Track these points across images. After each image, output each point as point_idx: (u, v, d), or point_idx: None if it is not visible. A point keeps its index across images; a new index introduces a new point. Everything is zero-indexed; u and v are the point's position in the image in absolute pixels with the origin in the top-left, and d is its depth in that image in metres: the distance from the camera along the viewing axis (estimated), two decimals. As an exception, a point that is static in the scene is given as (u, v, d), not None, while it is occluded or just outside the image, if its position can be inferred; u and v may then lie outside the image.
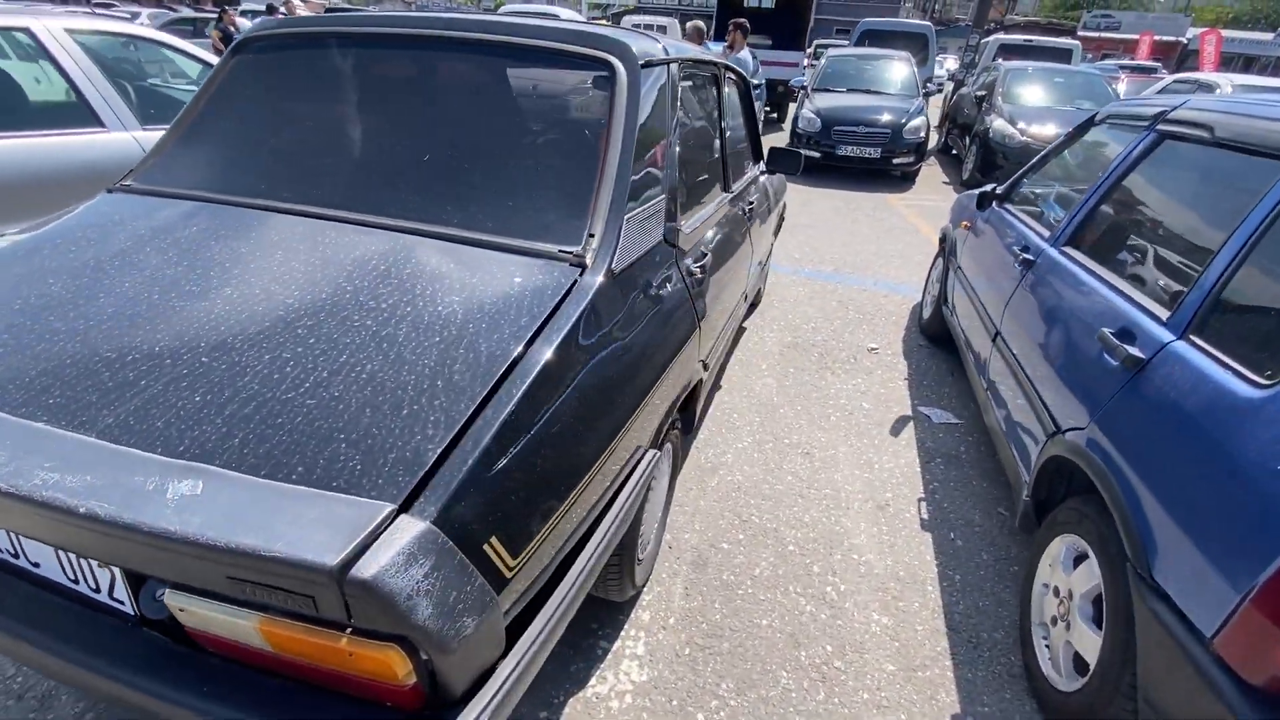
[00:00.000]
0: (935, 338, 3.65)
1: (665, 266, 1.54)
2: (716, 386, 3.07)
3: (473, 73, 1.62)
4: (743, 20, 6.90)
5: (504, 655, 0.95)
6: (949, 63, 19.93)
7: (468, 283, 1.18)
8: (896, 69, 8.61)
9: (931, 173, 8.65)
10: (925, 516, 2.31)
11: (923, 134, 7.42)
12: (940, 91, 9.99)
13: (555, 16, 14.12)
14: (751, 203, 2.62)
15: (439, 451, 0.88)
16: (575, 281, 1.21)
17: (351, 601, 0.74)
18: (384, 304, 1.11)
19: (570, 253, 1.27)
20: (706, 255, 1.83)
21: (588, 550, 1.16)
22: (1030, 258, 2.22)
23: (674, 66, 1.72)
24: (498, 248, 1.28)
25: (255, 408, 0.92)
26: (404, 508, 0.82)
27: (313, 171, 1.52)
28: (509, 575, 0.92)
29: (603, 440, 1.15)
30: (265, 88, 1.69)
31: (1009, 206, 2.77)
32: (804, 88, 8.77)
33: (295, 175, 1.52)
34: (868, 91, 8.26)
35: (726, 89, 2.44)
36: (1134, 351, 1.44)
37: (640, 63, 1.51)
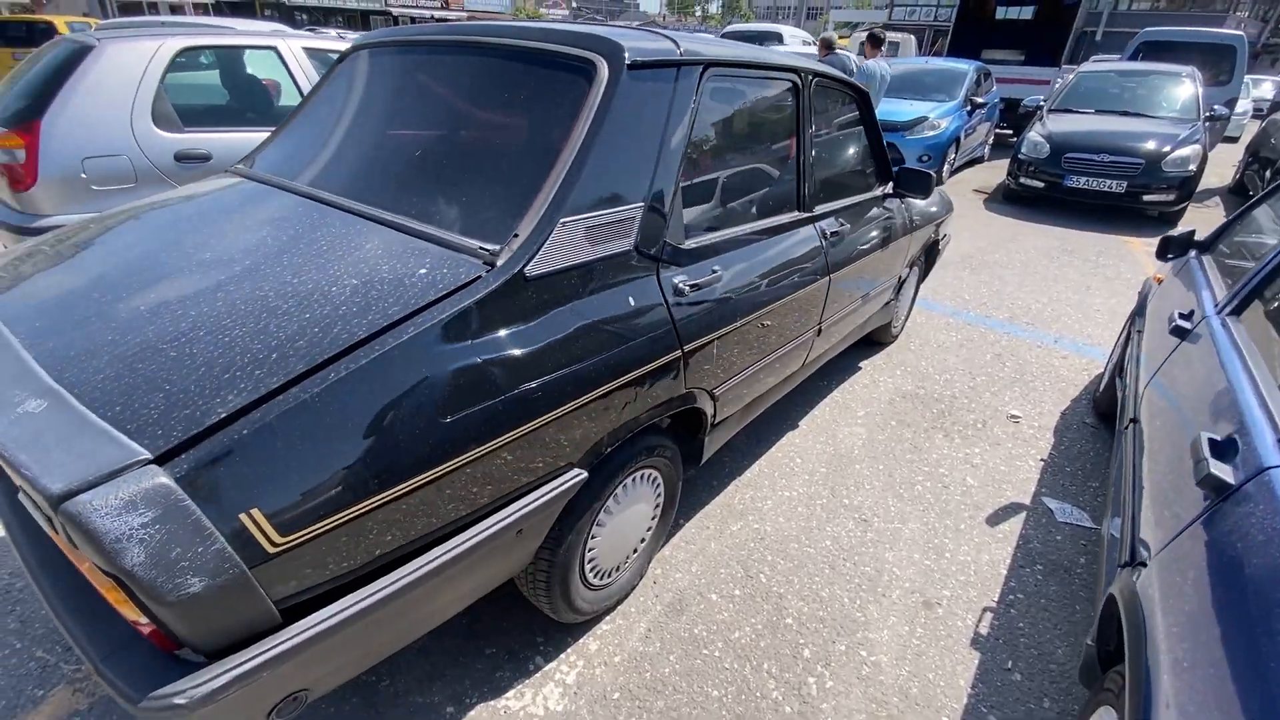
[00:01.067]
0: (1107, 416, 2.90)
1: (630, 278, 1.44)
2: (792, 426, 2.78)
3: (465, 74, 1.67)
4: (876, 31, 6.74)
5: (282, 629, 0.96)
6: (1265, 87, 15.68)
7: (378, 267, 1.22)
8: (1171, 88, 7.00)
9: (1210, 216, 6.87)
10: (984, 632, 1.83)
11: (1192, 167, 5.91)
12: (1228, 118, 7.85)
13: (778, 37, 14.05)
14: (843, 226, 2.32)
15: (223, 416, 0.92)
16: (476, 279, 1.19)
17: (68, 530, 0.81)
18: (290, 278, 1.20)
19: (486, 250, 1.25)
20: (719, 274, 1.66)
21: (428, 557, 1.12)
22: (1186, 325, 1.65)
23: (698, 70, 1.59)
24: (429, 238, 1.30)
25: (134, 350, 1.05)
26: (161, 459, 0.87)
27: (327, 160, 1.70)
28: (272, 551, 0.93)
29: (448, 447, 1.10)
30: (329, 90, 1.95)
31: (1206, 258, 2.09)
32: (1038, 107, 7.55)
33: (314, 163, 1.71)
34: (1124, 114, 6.84)
35: (816, 99, 2.19)
36: (1219, 471, 0.99)
37: (630, 63, 1.42)
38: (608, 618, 1.82)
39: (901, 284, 3.25)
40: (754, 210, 1.94)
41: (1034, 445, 2.75)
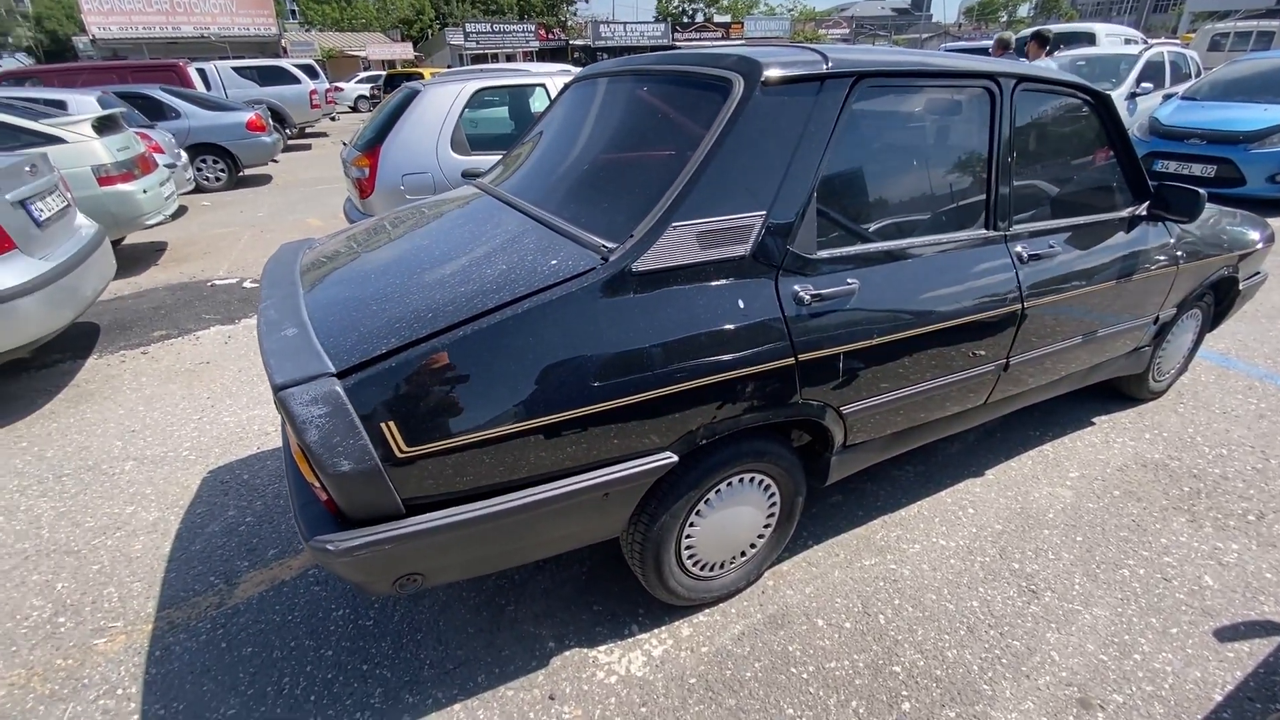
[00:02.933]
0: None
1: (742, 282, 1.50)
2: (975, 473, 2.47)
3: (633, 98, 1.86)
4: (1043, 30, 5.81)
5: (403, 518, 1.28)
6: None
7: (525, 256, 1.49)
8: None
9: None
10: (1160, 756, 1.47)
11: None
12: None
13: (1089, 37, 12.00)
14: (1052, 249, 2.02)
15: (382, 351, 1.25)
16: (590, 270, 1.39)
17: (280, 410, 1.19)
18: (464, 262, 1.53)
19: (606, 246, 1.44)
20: (853, 287, 1.62)
21: (517, 495, 1.35)
22: None
23: (846, 83, 1.57)
24: (573, 237, 1.54)
25: (354, 303, 1.46)
26: (340, 375, 1.23)
27: (526, 172, 2.05)
28: (399, 456, 1.23)
29: (542, 405, 1.31)
30: (545, 116, 2.34)
31: None
32: None
33: (518, 173, 2.08)
34: None
35: (1022, 105, 1.94)
36: None
37: (765, 80, 1.49)
38: (706, 610, 1.88)
39: (1165, 327, 2.65)
40: (918, 226, 1.83)
41: (1339, 558, 2.03)
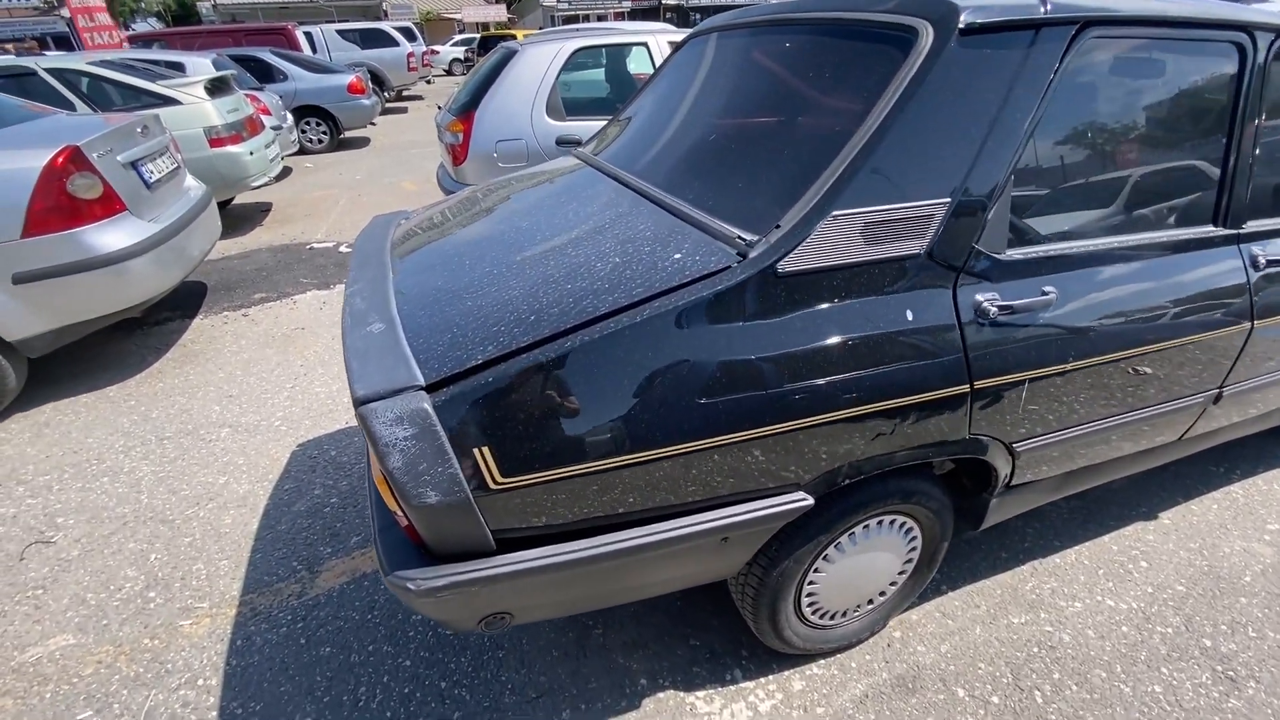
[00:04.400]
0: None
1: (913, 289, 1.20)
2: (1148, 516, 2.07)
3: (777, 55, 1.53)
4: None
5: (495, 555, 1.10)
6: None
7: (642, 249, 1.25)
8: None
9: None
10: None
11: None
12: None
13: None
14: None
15: (480, 362, 1.05)
16: (724, 269, 1.13)
17: (362, 426, 1.02)
18: (572, 252, 1.31)
19: (743, 239, 1.17)
20: (1051, 297, 1.28)
21: (631, 534, 1.13)
22: None
23: (1069, 31, 1.21)
24: (700, 224, 1.28)
25: (448, 295, 1.27)
26: (431, 388, 1.04)
27: (641, 144, 1.78)
28: (493, 487, 1.04)
29: (660, 434, 1.08)
30: (661, 78, 2.05)
31: None
32: None
33: (630, 145, 1.82)
34: None
35: (1283, 70, 1.50)
36: None
37: (966, 26, 1.15)
38: (822, 661, 1.63)
39: None
40: (1135, 221, 1.44)
41: None
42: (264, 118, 6.54)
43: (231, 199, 6.11)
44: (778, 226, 1.15)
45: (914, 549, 1.56)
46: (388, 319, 1.24)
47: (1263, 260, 1.55)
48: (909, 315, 1.20)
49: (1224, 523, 2.04)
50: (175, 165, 3.66)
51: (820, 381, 1.15)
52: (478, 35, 24.57)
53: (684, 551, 1.22)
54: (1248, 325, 1.57)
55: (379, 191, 6.77)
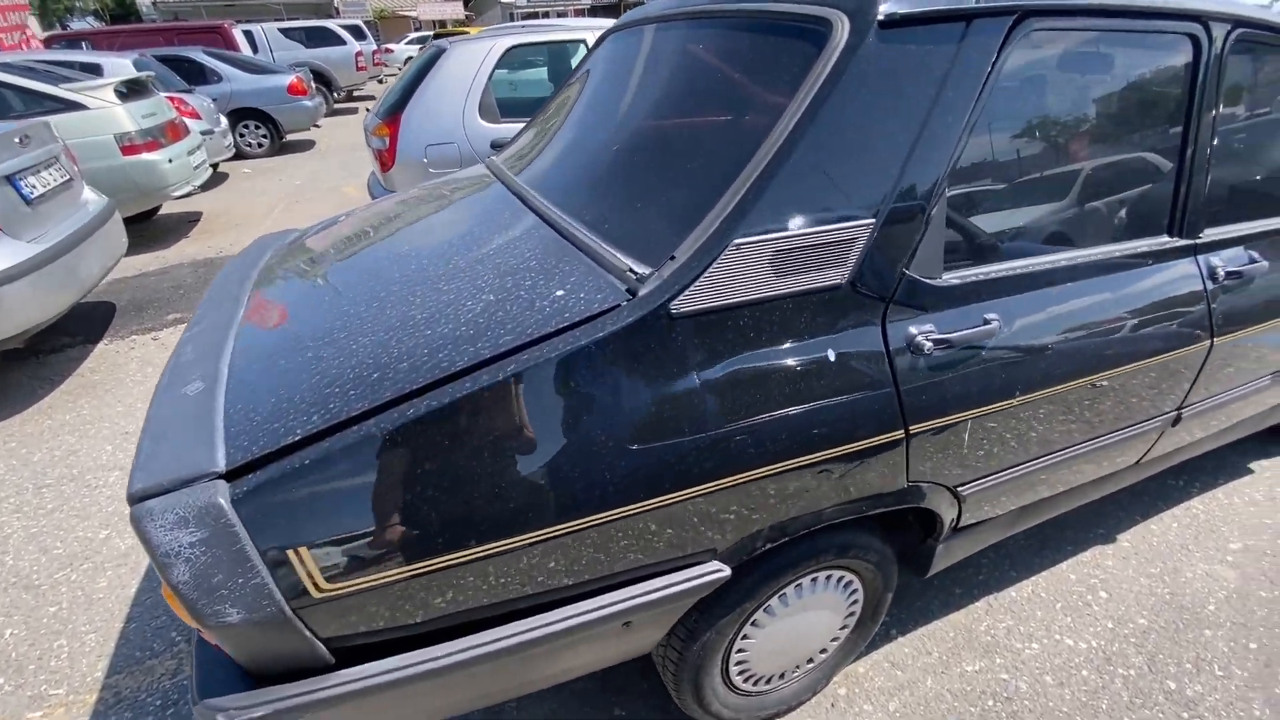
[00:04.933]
0: None
1: (835, 324, 1.03)
2: (1106, 539, 1.95)
3: (683, 55, 1.35)
4: None
5: (334, 670, 0.89)
6: None
7: (522, 282, 1.06)
8: None
9: None
10: None
11: None
12: None
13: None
14: (1255, 264, 1.46)
15: (300, 437, 0.85)
16: (611, 310, 0.94)
17: (134, 531, 0.81)
18: (443, 286, 1.11)
19: (635, 274, 0.99)
20: (993, 326, 1.13)
21: (499, 632, 0.94)
22: None
23: (1005, 22, 1.05)
24: (592, 253, 1.09)
25: (284, 344, 1.06)
26: (231, 475, 0.83)
27: (543, 155, 1.59)
28: (318, 595, 0.84)
29: (532, 514, 0.89)
30: (571, 80, 1.86)
31: None
32: None
33: (534, 156, 1.63)
34: None
35: (1236, 66, 1.38)
36: None
37: (885, 18, 0.98)
38: (760, 729, 1.46)
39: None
40: (1085, 234, 1.30)
41: None
42: (191, 122, 6.16)
43: (156, 210, 5.73)
44: (672, 258, 0.97)
45: (855, 603, 1.40)
46: (212, 376, 1.03)
47: (1222, 272, 1.43)
48: (830, 355, 1.03)
49: (1185, 543, 1.93)
50: (67, 178, 3.34)
51: (728, 439, 0.97)
52: (432, 33, 23.99)
53: (579, 640, 1.03)
54: (1207, 342, 1.44)
55: (319, 197, 6.44)
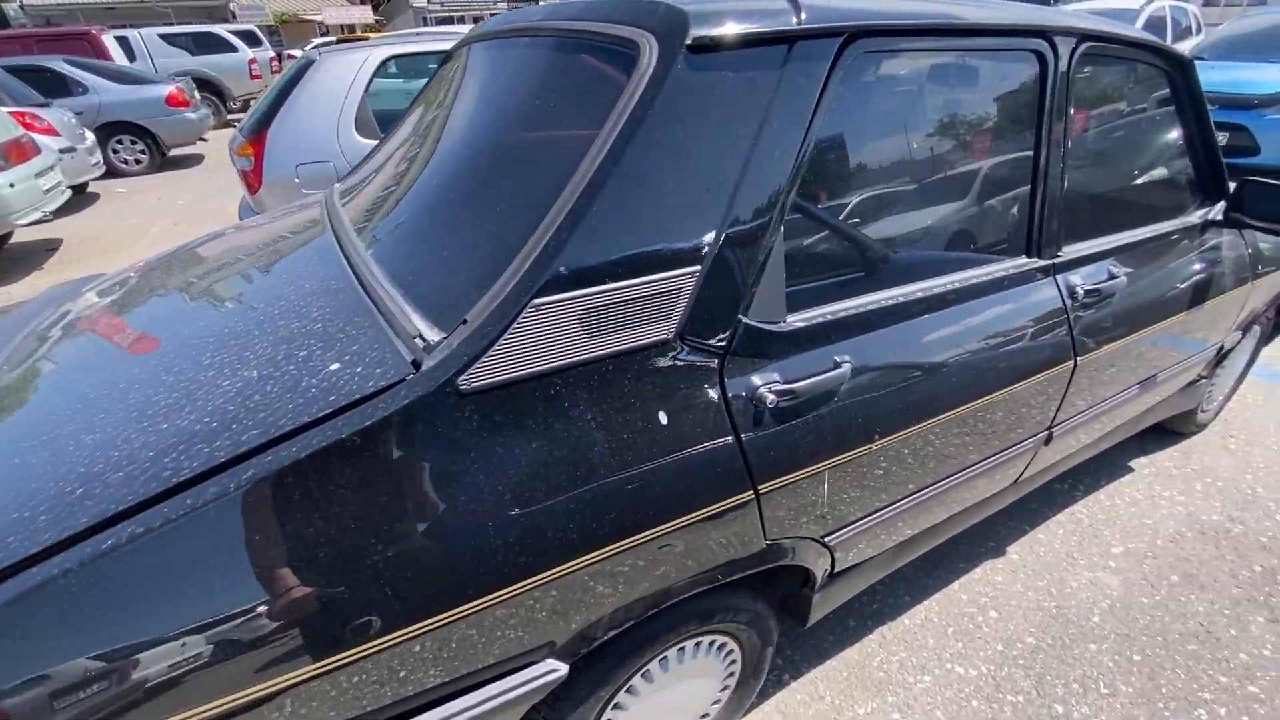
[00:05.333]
0: None
1: (664, 385, 0.91)
2: (995, 552, 1.94)
3: (506, 78, 1.23)
4: None
5: None
6: None
7: (296, 352, 0.89)
8: None
9: None
10: None
11: None
12: None
13: None
14: (1114, 279, 1.45)
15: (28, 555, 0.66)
16: (391, 386, 0.79)
17: None
18: (214, 363, 0.92)
19: (424, 341, 0.84)
20: (843, 370, 1.04)
21: None
22: None
23: (832, 45, 0.96)
24: (384, 312, 0.94)
25: (19, 448, 0.86)
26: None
27: (371, 190, 1.42)
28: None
29: (290, 658, 0.73)
30: (415, 102, 1.69)
31: None
32: None
33: (363, 192, 1.45)
34: None
35: (1084, 80, 1.37)
36: None
37: (695, 41, 0.88)
38: (641, 810, 1.34)
39: (1224, 355, 2.12)
40: (938, 262, 1.24)
41: None
42: (45, 139, 5.56)
43: (6, 238, 5.13)
44: (464, 322, 0.83)
45: (733, 664, 1.30)
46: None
47: (1081, 290, 1.41)
48: (662, 419, 0.91)
49: (1070, 551, 1.94)
50: None
51: (544, 528, 0.84)
52: (335, 39, 22.93)
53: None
54: (1071, 363, 1.42)
55: (202, 219, 5.95)
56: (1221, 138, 5.73)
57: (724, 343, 0.95)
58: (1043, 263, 1.36)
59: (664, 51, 0.88)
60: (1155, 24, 7.86)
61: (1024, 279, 1.33)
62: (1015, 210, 1.35)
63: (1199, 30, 8.45)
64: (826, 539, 1.18)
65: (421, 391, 0.78)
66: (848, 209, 1.13)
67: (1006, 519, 2.07)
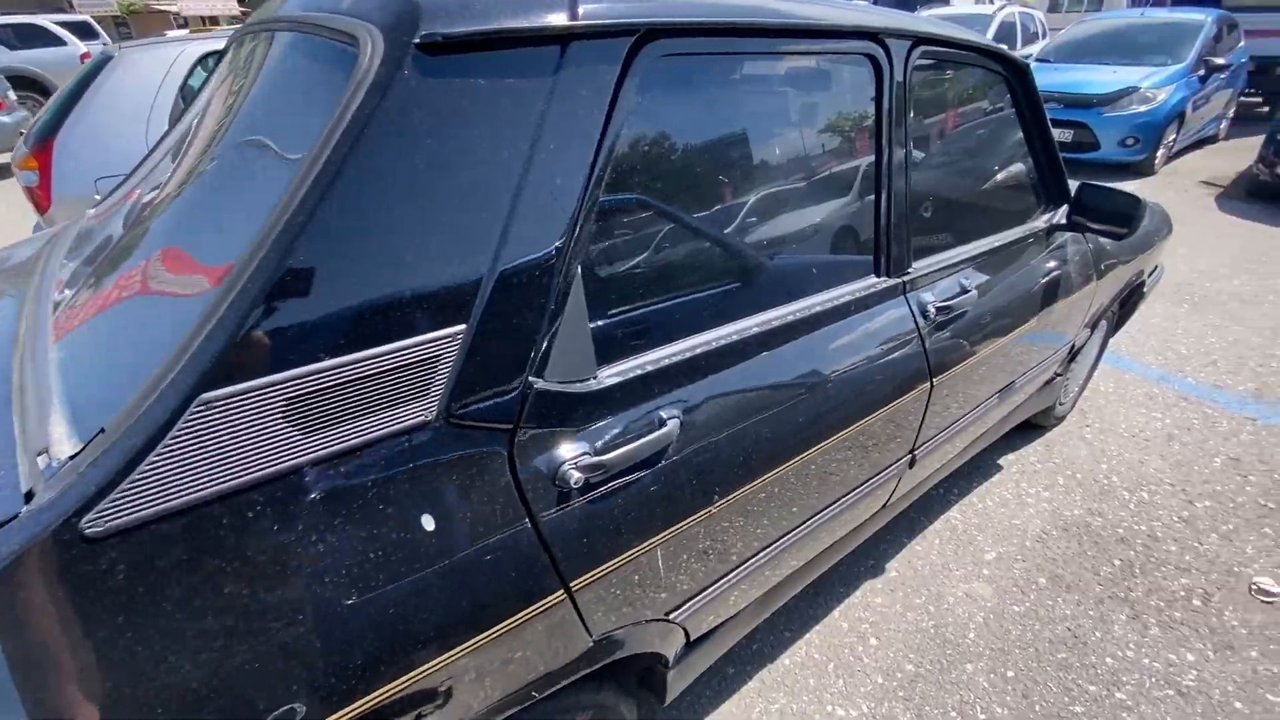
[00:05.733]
0: None
1: (434, 477, 0.71)
2: (875, 570, 1.89)
3: (228, 85, 1.00)
4: None
5: None
6: None
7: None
8: None
9: None
10: None
11: None
12: None
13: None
14: (965, 293, 1.39)
15: None
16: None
17: None
18: None
19: (50, 460, 0.60)
20: (667, 427, 0.88)
21: None
22: None
23: (620, 47, 0.80)
24: (25, 404, 0.68)
25: None
26: None
27: (99, 226, 1.13)
28: None
29: None
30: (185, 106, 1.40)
31: None
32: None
33: (92, 229, 1.16)
34: None
35: (921, 85, 1.30)
36: None
37: (425, 39, 0.68)
38: None
39: (1076, 353, 2.17)
40: (779, 289, 1.11)
41: (1305, 658, 1.62)
42: None
43: None
44: (101, 431, 0.59)
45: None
46: None
47: (933, 308, 1.33)
48: (426, 525, 0.71)
49: (946, 563, 1.92)
50: None
51: (293, 681, 0.62)
52: (187, 30, 20.94)
53: None
54: (928, 384, 1.34)
55: (13, 235, 5.09)
56: (1067, 135, 6.22)
57: (509, 415, 0.76)
58: (892, 282, 1.27)
59: (389, 51, 0.67)
60: (1007, 29, 8.46)
61: (873, 301, 1.23)
62: (860, 227, 1.25)
63: (1045, 35, 9.18)
64: (672, 615, 1.03)
65: (28, 537, 0.54)
66: (667, 237, 0.97)
67: (885, 531, 2.02)
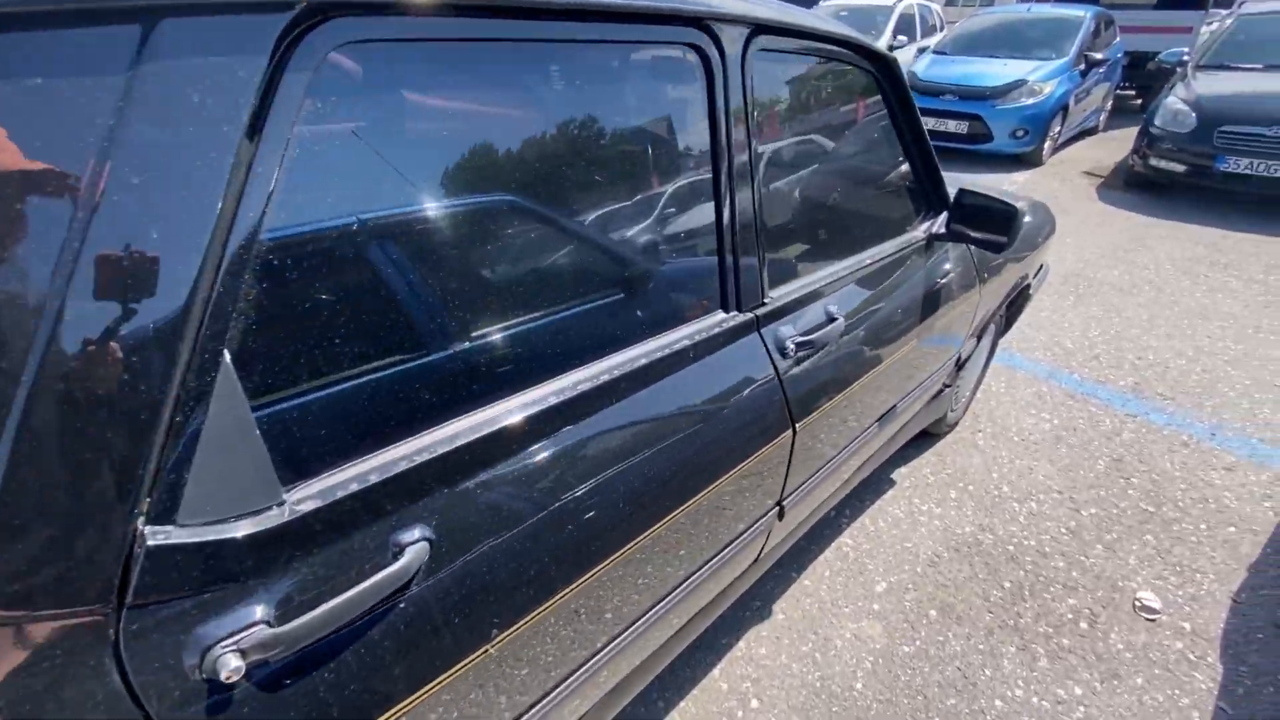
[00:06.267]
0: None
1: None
2: (761, 614, 1.72)
3: None
4: None
5: None
6: None
7: None
8: (1386, 31, 5.13)
9: None
10: None
11: None
12: None
13: None
14: (832, 323, 1.21)
15: None
16: None
17: None
18: None
19: None
20: (406, 560, 0.64)
21: None
22: None
23: (304, 27, 0.55)
24: None
25: None
26: None
27: None
28: None
29: None
30: None
31: None
32: (1179, 63, 5.80)
33: None
34: (1310, 70, 5.08)
35: (764, 80, 1.11)
36: None
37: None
38: None
39: (963, 363, 2.08)
40: (584, 341, 0.88)
41: (1188, 676, 1.57)
42: None
43: None
44: None
45: None
46: None
47: (792, 344, 1.14)
48: None
49: (835, 599, 1.77)
50: None
51: None
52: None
53: None
54: (789, 431, 1.16)
55: None
56: (963, 126, 6.36)
57: (106, 595, 0.50)
58: (743, 317, 1.07)
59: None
60: (907, 21, 8.61)
61: (719, 342, 1.03)
62: (700, 255, 1.04)
63: (942, 27, 9.43)
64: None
65: None
66: (397, 279, 0.71)
67: (775, 567, 1.86)
